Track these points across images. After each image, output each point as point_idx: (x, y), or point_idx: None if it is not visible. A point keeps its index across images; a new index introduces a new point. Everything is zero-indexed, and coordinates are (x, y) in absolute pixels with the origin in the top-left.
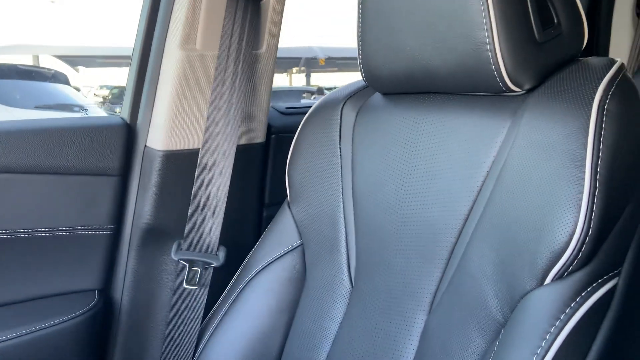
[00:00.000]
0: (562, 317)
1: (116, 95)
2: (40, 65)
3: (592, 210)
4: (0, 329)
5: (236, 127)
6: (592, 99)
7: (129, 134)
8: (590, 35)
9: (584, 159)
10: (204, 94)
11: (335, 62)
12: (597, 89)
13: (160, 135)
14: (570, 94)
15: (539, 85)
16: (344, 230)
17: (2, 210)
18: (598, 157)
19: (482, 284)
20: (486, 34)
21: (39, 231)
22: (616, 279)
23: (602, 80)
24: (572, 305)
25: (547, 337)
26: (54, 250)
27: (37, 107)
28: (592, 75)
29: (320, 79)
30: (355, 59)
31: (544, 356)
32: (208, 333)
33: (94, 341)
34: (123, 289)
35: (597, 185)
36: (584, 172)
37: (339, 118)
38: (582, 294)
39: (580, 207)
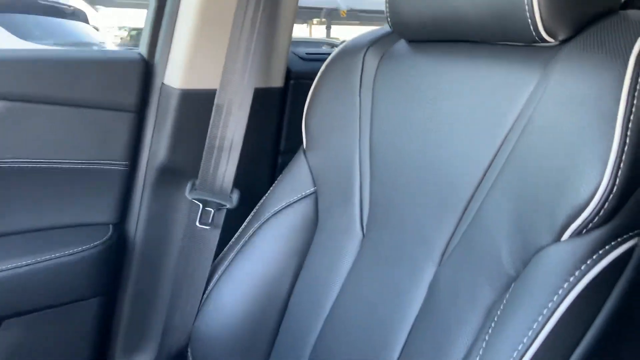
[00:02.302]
0: (576, 274)
1: (135, 37)
2: (60, 1)
3: (618, 167)
4: (15, 256)
5: (254, 69)
6: (629, 53)
7: (146, 70)
8: None
9: (616, 114)
10: (224, 33)
11: (358, 15)
12: (634, 42)
13: (177, 72)
14: (605, 47)
15: (573, 37)
16: (359, 179)
17: (18, 140)
18: (630, 112)
19: (496, 237)
20: None
21: (55, 162)
22: (636, 238)
23: None
24: (587, 262)
25: (560, 292)
26: (69, 183)
27: (57, 44)
28: (630, 28)
29: (341, 32)
30: (379, 12)
31: (554, 311)
32: (219, 272)
33: (106, 274)
34: (137, 225)
35: (627, 140)
36: (614, 127)
37: (361, 65)
38: (599, 252)
39: (607, 162)
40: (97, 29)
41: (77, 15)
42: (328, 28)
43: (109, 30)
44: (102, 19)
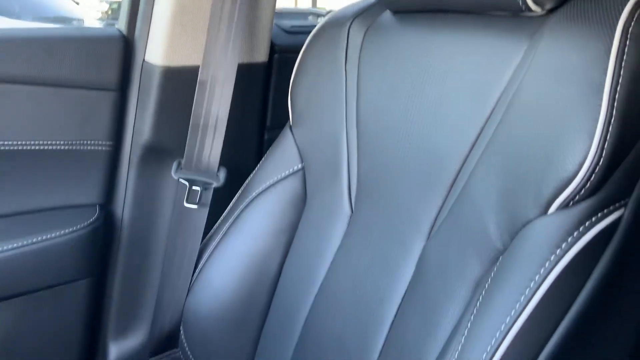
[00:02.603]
0: (563, 246)
1: (116, 11)
2: None
3: (605, 139)
4: (1, 240)
5: (237, 44)
6: (617, 21)
7: (126, 47)
8: None
9: (603, 84)
10: (205, 6)
11: None
12: (621, 12)
13: (159, 49)
14: (592, 16)
15: (560, 6)
16: (346, 154)
17: None
18: (617, 82)
19: (484, 211)
20: None
21: (37, 144)
22: (622, 209)
23: (627, 2)
24: (574, 234)
25: (547, 265)
26: (53, 164)
27: (36, 19)
28: None
29: (328, 1)
30: None
31: (542, 283)
32: (208, 252)
33: (95, 255)
34: (124, 205)
35: (614, 112)
36: (601, 98)
37: (346, 37)
38: (586, 224)
39: (593, 134)
40: (77, 3)
41: None
42: None
43: (90, 3)
44: None
